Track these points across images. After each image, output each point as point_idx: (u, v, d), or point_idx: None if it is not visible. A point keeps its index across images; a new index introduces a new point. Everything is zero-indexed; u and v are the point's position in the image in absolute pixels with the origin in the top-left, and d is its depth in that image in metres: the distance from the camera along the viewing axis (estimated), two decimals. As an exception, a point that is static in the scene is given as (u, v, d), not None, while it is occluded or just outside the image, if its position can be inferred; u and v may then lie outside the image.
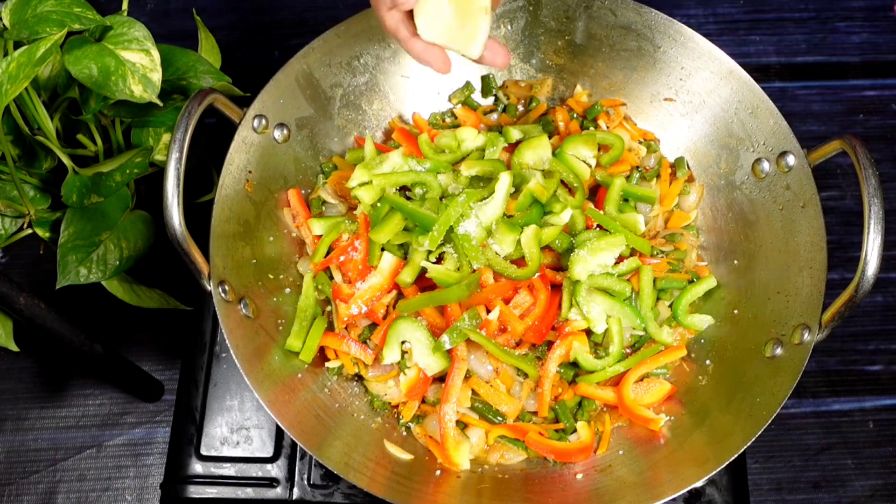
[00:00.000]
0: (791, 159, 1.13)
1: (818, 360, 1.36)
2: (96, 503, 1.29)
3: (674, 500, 1.00)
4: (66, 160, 1.20)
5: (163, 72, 1.14)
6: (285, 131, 1.19)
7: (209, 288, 1.02)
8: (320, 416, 1.08)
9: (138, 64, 1.13)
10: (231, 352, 1.00)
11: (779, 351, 1.06)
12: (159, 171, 1.27)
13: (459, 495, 1.05)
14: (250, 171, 1.14)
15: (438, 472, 1.08)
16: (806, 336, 1.03)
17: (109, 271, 1.20)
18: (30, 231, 1.27)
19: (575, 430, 1.11)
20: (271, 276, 1.16)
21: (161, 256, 1.28)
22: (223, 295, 1.04)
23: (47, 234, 1.26)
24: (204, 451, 1.17)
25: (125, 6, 1.24)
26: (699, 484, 1.06)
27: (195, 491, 1.15)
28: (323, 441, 1.04)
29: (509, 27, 1.30)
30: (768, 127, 1.16)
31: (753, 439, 0.98)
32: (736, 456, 0.98)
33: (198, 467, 1.16)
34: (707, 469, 0.99)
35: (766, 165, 1.17)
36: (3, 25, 1.14)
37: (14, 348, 1.25)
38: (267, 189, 1.17)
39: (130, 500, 1.29)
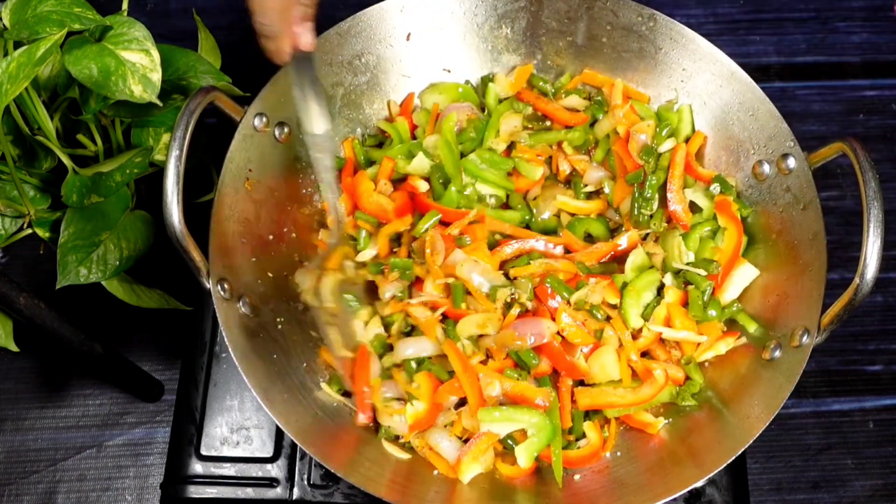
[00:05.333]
0: (792, 162, 1.13)
1: (818, 360, 1.36)
2: (96, 503, 1.29)
3: (674, 500, 1.00)
4: (66, 160, 1.20)
5: (163, 72, 1.14)
6: (286, 130, 1.19)
7: (208, 286, 1.02)
8: (319, 416, 1.08)
9: (138, 64, 1.13)
10: (229, 350, 1.00)
11: (777, 353, 1.06)
12: (159, 171, 1.27)
13: (459, 495, 1.05)
14: (250, 170, 1.14)
15: (436, 472, 1.08)
16: (805, 339, 1.03)
17: (109, 271, 1.20)
18: (30, 231, 1.27)
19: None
20: (271, 275, 1.15)
21: (161, 256, 1.28)
22: (222, 293, 1.03)
23: (47, 234, 1.25)
24: (204, 451, 1.17)
25: (125, 6, 1.24)
26: (699, 484, 1.05)
27: (195, 491, 1.15)
28: (322, 441, 1.04)
29: (511, 28, 1.30)
30: (769, 129, 1.16)
31: (752, 440, 0.98)
32: (736, 456, 0.98)
33: (198, 467, 1.16)
34: (707, 469, 0.99)
35: (766, 168, 1.17)
36: (3, 25, 1.14)
37: (14, 348, 1.25)
38: (267, 188, 1.17)
39: (130, 500, 1.29)
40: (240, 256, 1.11)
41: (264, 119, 1.14)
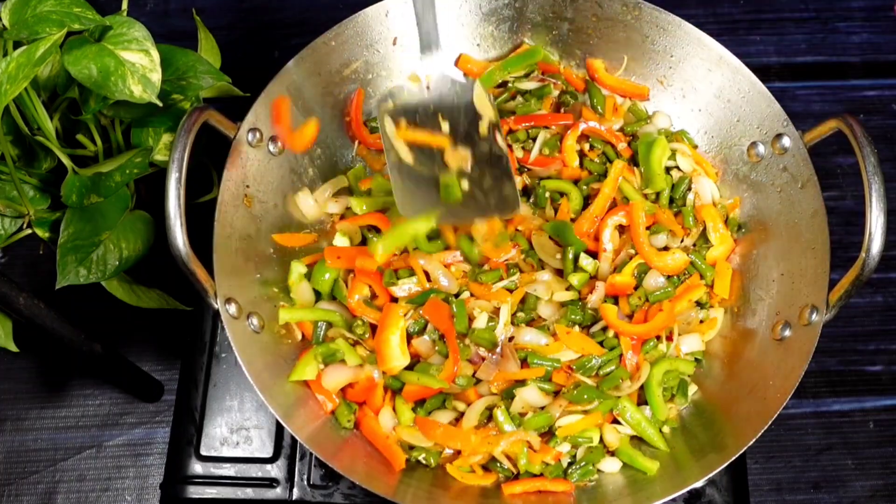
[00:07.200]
0: (786, 141, 1.13)
1: (818, 360, 1.35)
2: (96, 503, 1.29)
3: (674, 500, 1.00)
4: (65, 160, 1.20)
5: (162, 72, 1.14)
6: (279, 143, 1.18)
7: (216, 306, 1.01)
8: (337, 428, 1.08)
9: (138, 64, 1.13)
10: (244, 369, 0.99)
11: (787, 332, 1.07)
12: (159, 172, 1.27)
13: (460, 493, 1.05)
14: (248, 186, 1.13)
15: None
16: (814, 316, 1.03)
17: (109, 271, 1.20)
18: (29, 231, 1.27)
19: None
20: (276, 290, 1.15)
21: (160, 256, 1.28)
22: (231, 312, 1.03)
23: (47, 234, 1.25)
24: (204, 452, 1.17)
25: (125, 6, 1.24)
26: (718, 470, 1.03)
27: (195, 491, 1.15)
28: (344, 454, 1.04)
29: (496, 26, 1.29)
30: (761, 110, 1.16)
31: (771, 421, 0.98)
32: (755, 440, 0.98)
33: (197, 467, 1.16)
34: (728, 454, 0.99)
35: (761, 149, 1.17)
36: (3, 25, 1.14)
37: (14, 348, 1.25)
38: (265, 202, 1.16)
39: (130, 500, 1.29)
40: (244, 274, 1.10)
41: (257, 134, 1.13)
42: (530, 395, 1.08)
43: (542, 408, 1.10)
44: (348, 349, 1.10)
